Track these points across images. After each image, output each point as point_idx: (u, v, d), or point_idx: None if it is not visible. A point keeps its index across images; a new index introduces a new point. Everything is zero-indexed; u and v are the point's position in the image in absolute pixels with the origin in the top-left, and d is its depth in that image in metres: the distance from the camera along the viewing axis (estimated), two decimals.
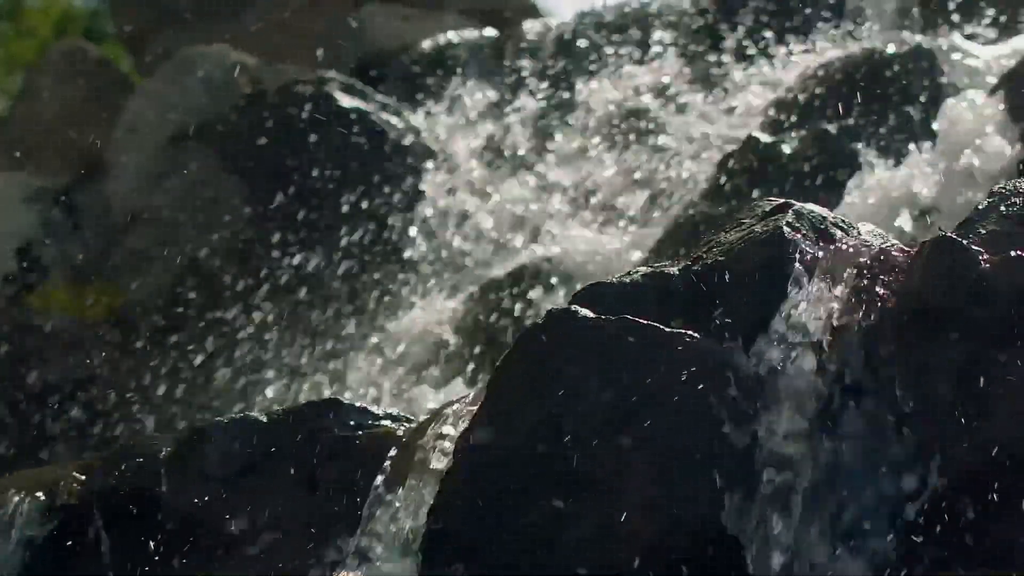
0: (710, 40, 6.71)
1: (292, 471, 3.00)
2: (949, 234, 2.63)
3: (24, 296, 7.23)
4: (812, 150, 5.18)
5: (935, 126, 5.09)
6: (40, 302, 7.08)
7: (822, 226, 2.81)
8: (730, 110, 6.05)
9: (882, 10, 6.61)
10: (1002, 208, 2.72)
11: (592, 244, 5.61)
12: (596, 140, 6.37)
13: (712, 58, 6.57)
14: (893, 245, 2.77)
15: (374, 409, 3.10)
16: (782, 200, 2.95)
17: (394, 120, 6.74)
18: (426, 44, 7.61)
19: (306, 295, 6.30)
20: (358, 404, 3.11)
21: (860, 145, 5.12)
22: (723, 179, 5.31)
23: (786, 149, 5.22)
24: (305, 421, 3.07)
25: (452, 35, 7.62)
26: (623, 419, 2.57)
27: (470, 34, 7.62)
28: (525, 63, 7.23)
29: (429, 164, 6.59)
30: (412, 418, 3.06)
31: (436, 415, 2.93)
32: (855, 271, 2.67)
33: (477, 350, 5.43)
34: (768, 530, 2.49)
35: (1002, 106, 4.92)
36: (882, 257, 2.69)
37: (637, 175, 6.02)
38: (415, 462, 2.83)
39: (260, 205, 6.63)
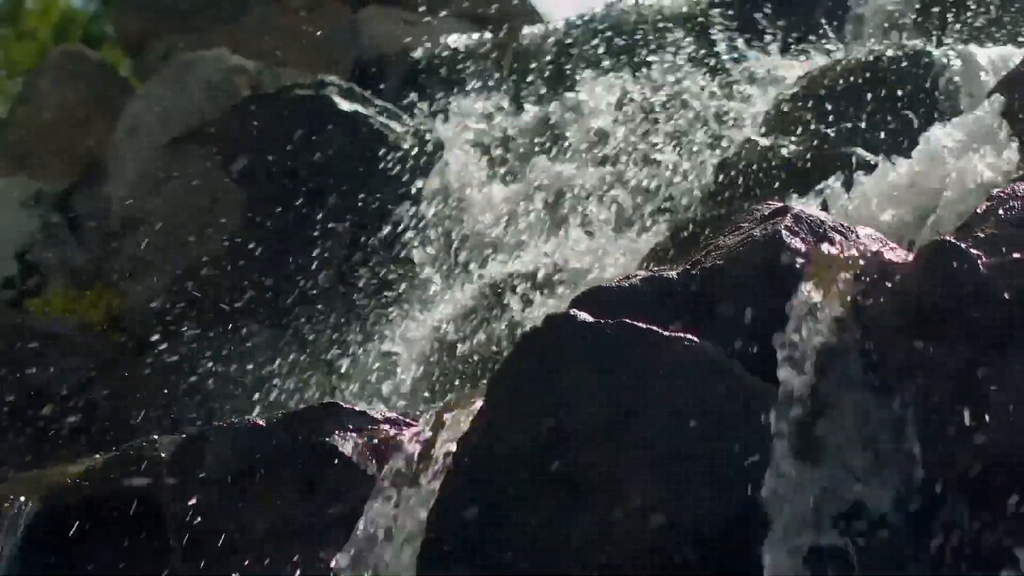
0: (708, 42, 6.71)
1: (291, 475, 3.01)
2: (948, 238, 2.63)
3: (24, 300, 7.23)
4: (811, 153, 5.18)
5: (935, 129, 5.08)
6: (40, 306, 7.09)
7: (821, 229, 2.81)
8: (727, 111, 6.05)
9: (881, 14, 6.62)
10: (1000, 212, 2.72)
11: (592, 247, 5.61)
12: (595, 142, 6.38)
13: (710, 60, 6.57)
14: (892, 248, 2.78)
15: (373, 413, 3.10)
16: (781, 204, 2.96)
17: (392, 124, 6.75)
18: (424, 48, 7.61)
19: (306, 297, 6.30)
20: (357, 408, 3.11)
21: (859, 148, 5.13)
22: (722, 182, 5.31)
23: (785, 152, 5.22)
24: (304, 425, 3.07)
25: (450, 39, 7.62)
26: (622, 422, 2.58)
27: (468, 38, 7.62)
28: (524, 66, 7.23)
29: (428, 167, 6.59)
30: (411, 421, 3.06)
31: (436, 418, 2.94)
32: (854, 274, 2.67)
33: (478, 353, 5.43)
34: (768, 531, 2.49)
35: (1002, 109, 4.92)
36: (881, 260, 2.70)
37: (636, 178, 6.02)
38: (415, 465, 2.83)
39: (259, 208, 6.63)
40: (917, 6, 6.52)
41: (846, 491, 2.54)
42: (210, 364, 6.20)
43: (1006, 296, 2.51)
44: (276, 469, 3.02)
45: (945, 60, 5.46)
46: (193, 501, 3.05)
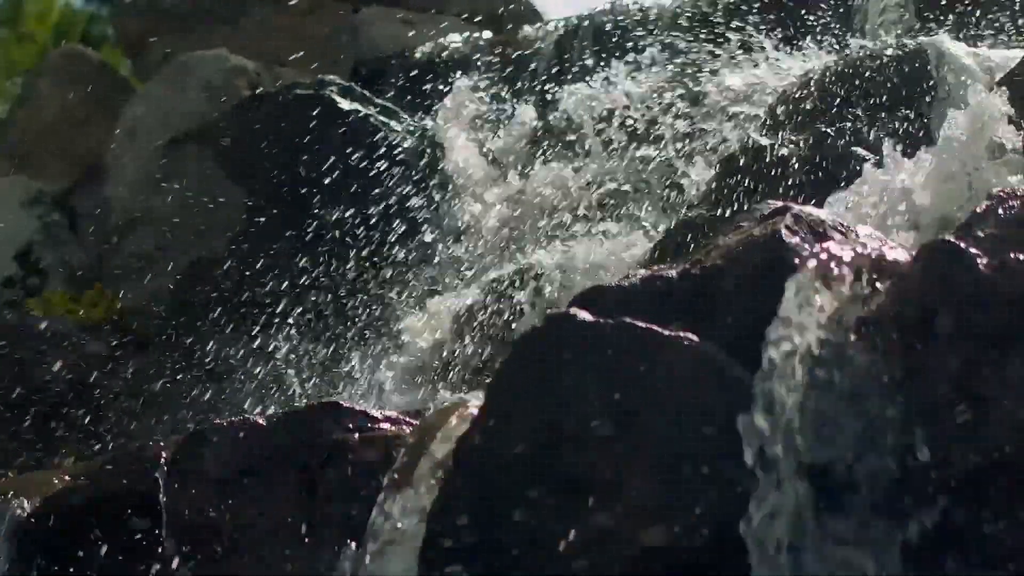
0: (707, 43, 6.71)
1: (292, 474, 3.01)
2: (948, 238, 2.63)
3: (24, 300, 7.24)
4: (810, 152, 5.18)
5: (934, 128, 5.09)
6: (40, 306, 7.09)
7: (820, 229, 2.82)
8: (725, 111, 6.05)
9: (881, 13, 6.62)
10: (1000, 211, 2.72)
11: (592, 247, 5.61)
12: (594, 142, 6.38)
13: (709, 61, 6.57)
14: (892, 248, 2.77)
15: (373, 412, 3.10)
16: (780, 203, 2.96)
17: (392, 123, 6.75)
18: (425, 48, 7.61)
19: (305, 298, 6.30)
20: (357, 407, 3.11)
21: (858, 148, 5.12)
22: (721, 182, 5.31)
23: (784, 152, 5.22)
24: (304, 424, 3.07)
25: (451, 39, 7.62)
26: (622, 422, 2.58)
27: (469, 38, 7.62)
28: (523, 66, 7.23)
29: (428, 167, 6.59)
30: (412, 421, 3.06)
31: (436, 417, 2.94)
32: (853, 274, 2.67)
33: (478, 352, 5.43)
34: (767, 532, 2.49)
35: (1001, 108, 4.92)
36: (881, 260, 2.69)
37: (635, 178, 6.02)
38: (415, 465, 2.83)
39: (259, 208, 6.63)
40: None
41: (845, 491, 2.54)
42: (210, 364, 6.20)
43: (1006, 296, 2.51)
44: (276, 469, 3.02)
45: (943, 57, 5.46)
46: (193, 501, 3.05)
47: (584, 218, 6.00)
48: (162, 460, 3.17)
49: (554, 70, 7.13)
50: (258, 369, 6.09)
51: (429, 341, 5.57)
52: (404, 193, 6.50)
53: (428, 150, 6.66)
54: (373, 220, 6.45)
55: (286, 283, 6.36)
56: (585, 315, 2.69)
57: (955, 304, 2.53)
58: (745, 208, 3.14)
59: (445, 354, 5.51)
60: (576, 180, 6.21)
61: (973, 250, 2.56)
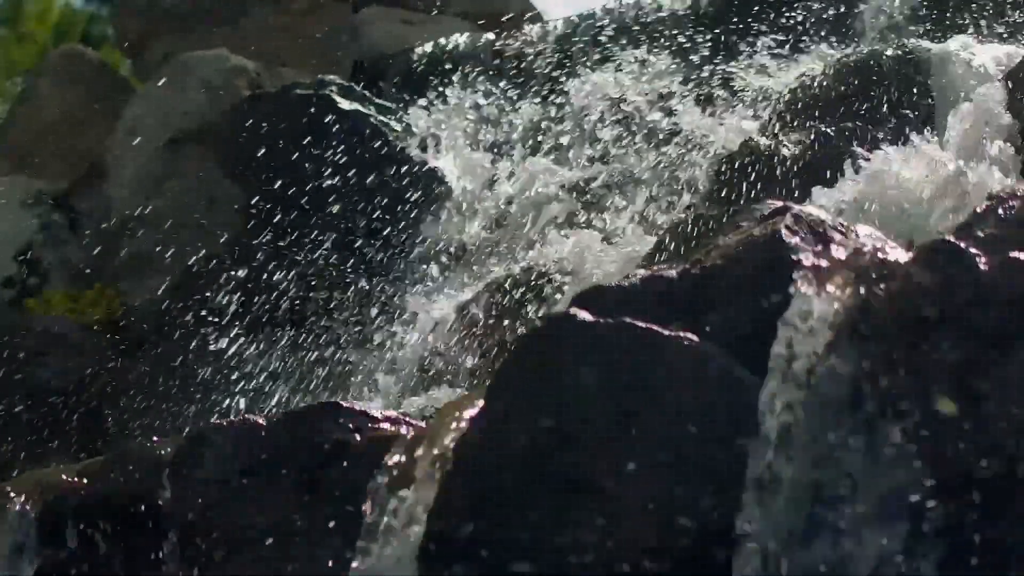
0: (707, 44, 6.71)
1: (292, 474, 3.01)
2: (947, 237, 2.63)
3: (24, 300, 7.24)
4: (811, 152, 5.19)
5: (934, 128, 5.09)
6: (39, 306, 7.09)
7: (820, 229, 2.81)
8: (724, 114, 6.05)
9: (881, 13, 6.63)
10: (1000, 211, 2.72)
11: (592, 246, 5.62)
12: (594, 142, 6.38)
13: (708, 62, 6.57)
14: (892, 248, 2.78)
15: (374, 412, 3.10)
16: (780, 203, 2.96)
17: (392, 123, 6.75)
18: (425, 48, 7.61)
19: (305, 297, 6.30)
20: (358, 407, 3.11)
21: (859, 148, 5.12)
22: (721, 182, 5.31)
23: (784, 152, 5.22)
24: (305, 424, 3.07)
25: (451, 39, 7.62)
26: (622, 422, 2.58)
27: (469, 38, 7.62)
28: (524, 66, 7.24)
29: (428, 167, 6.59)
30: (412, 420, 3.06)
31: (436, 417, 2.94)
32: (853, 274, 2.67)
33: (478, 352, 5.44)
34: (766, 532, 2.49)
35: (1001, 108, 4.92)
36: (880, 260, 2.69)
37: (635, 177, 6.02)
38: (415, 464, 2.83)
39: (259, 208, 6.63)
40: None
41: (844, 491, 2.54)
42: (210, 364, 6.20)
43: (1006, 296, 2.51)
44: (276, 469, 3.02)
45: (944, 57, 5.47)
46: (193, 501, 3.05)
47: (581, 219, 6.00)
48: (163, 460, 3.17)
49: (554, 70, 7.13)
50: (258, 369, 6.09)
51: (431, 340, 5.57)
52: (403, 192, 6.50)
53: (427, 150, 6.66)
54: (373, 218, 6.45)
55: (286, 282, 6.36)
56: (585, 315, 2.69)
57: (955, 304, 2.52)
58: (745, 209, 3.14)
59: (446, 352, 5.51)
60: (575, 178, 6.22)
61: (973, 250, 2.56)
